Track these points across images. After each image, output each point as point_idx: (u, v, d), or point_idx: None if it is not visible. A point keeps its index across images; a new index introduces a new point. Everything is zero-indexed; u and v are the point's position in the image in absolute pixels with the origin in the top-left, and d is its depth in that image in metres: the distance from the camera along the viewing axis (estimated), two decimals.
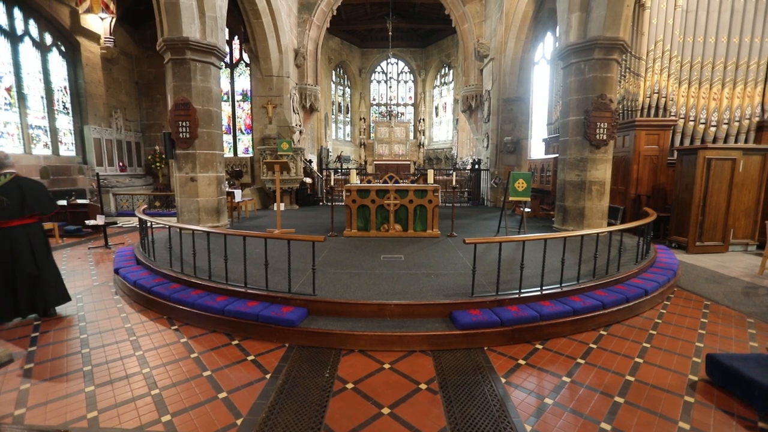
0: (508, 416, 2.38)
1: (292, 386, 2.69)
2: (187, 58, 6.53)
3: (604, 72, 6.45)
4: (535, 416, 2.39)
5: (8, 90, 9.42)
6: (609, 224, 7.07)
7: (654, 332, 3.60)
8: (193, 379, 2.79)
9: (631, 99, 7.93)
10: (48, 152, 10.44)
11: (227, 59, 13.52)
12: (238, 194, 8.86)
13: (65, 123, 11.03)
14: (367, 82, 21.42)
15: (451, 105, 19.90)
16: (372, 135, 19.90)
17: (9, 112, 9.43)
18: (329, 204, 11.47)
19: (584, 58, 6.49)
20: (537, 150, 11.75)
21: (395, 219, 6.58)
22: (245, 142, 14.33)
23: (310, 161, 13.40)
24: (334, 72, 19.82)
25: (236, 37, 13.54)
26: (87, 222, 7.91)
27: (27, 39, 9.90)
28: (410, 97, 21.86)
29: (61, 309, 4.04)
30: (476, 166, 12.66)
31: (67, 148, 11.08)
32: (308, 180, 11.85)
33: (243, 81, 14.13)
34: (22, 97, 9.70)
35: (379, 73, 21.69)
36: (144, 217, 5.19)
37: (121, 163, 12.52)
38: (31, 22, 10.03)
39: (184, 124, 6.66)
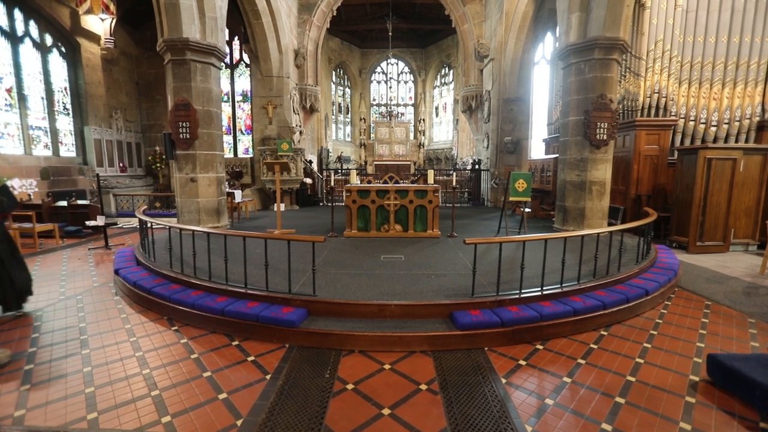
0: (509, 417, 2.38)
1: (292, 387, 2.69)
2: (187, 59, 6.53)
3: (604, 72, 6.45)
4: (536, 417, 2.39)
5: (9, 91, 9.44)
6: (609, 224, 7.06)
7: (655, 332, 3.60)
8: (193, 379, 2.79)
9: (632, 99, 7.92)
10: (48, 153, 10.45)
11: (227, 60, 13.53)
12: (238, 195, 8.86)
13: (65, 124, 11.05)
14: (367, 82, 21.41)
15: (451, 105, 19.88)
16: (372, 135, 19.87)
17: (9, 113, 9.44)
18: (329, 204, 11.46)
19: (584, 58, 6.48)
20: (537, 150, 11.75)
21: (395, 219, 6.58)
22: (245, 142, 14.33)
23: (311, 162, 13.39)
24: (334, 72, 19.81)
25: (236, 38, 13.55)
26: (87, 223, 7.92)
27: (27, 40, 9.92)
28: (410, 98, 21.85)
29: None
30: (476, 167, 12.65)
31: (68, 149, 11.10)
32: (308, 180, 11.85)
33: (243, 81, 14.13)
34: (22, 98, 9.72)
35: (379, 73, 21.67)
36: (144, 218, 5.19)
37: (121, 164, 12.53)
38: (32, 23, 10.05)
39: (184, 124, 6.66)
